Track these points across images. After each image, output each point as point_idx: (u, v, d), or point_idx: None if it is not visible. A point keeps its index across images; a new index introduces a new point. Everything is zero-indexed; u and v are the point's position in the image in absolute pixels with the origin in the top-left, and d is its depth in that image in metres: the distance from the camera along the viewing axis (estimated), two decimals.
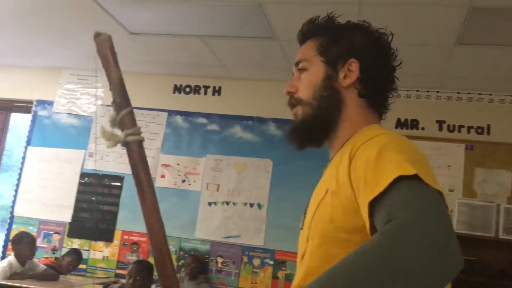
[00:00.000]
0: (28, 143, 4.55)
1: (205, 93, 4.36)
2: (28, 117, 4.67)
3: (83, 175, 4.38)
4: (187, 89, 4.40)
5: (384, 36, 1.11)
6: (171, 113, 4.36)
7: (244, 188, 4.09)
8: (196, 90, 4.39)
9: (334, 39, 1.09)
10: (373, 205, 0.79)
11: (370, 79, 1.05)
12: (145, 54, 4.00)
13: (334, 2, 2.71)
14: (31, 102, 4.64)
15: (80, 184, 4.37)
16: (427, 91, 3.92)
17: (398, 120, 3.93)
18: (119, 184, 4.30)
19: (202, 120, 4.29)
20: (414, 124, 3.90)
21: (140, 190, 0.89)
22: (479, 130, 3.78)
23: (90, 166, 4.38)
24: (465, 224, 3.35)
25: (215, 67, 4.08)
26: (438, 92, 3.91)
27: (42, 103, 4.62)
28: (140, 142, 0.91)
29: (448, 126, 3.85)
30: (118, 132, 0.90)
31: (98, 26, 3.46)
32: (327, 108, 1.05)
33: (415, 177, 0.78)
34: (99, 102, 4.53)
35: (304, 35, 1.13)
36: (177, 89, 4.42)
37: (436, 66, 3.47)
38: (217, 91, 4.34)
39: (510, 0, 2.42)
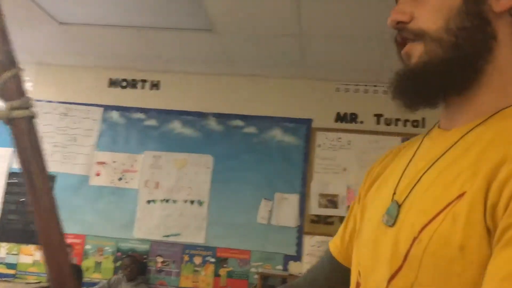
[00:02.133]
0: None
1: (143, 87, 4.20)
2: None
3: (11, 174, 4.11)
4: (124, 83, 4.22)
5: None
6: (106, 108, 4.16)
7: (184, 185, 3.98)
8: (133, 84, 4.22)
9: None
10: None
11: None
12: (77, 46, 3.79)
13: None
14: None
15: (8, 184, 4.09)
16: (366, 85, 3.98)
17: (338, 113, 3.96)
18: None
19: (140, 115, 4.14)
20: (353, 117, 3.95)
21: (31, 186, 0.66)
22: (415, 123, 3.89)
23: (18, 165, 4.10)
24: None
25: (153, 60, 3.94)
26: (375, 86, 3.97)
27: None
28: (30, 119, 0.67)
29: (386, 119, 3.93)
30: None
31: (23, 15, 3.24)
32: (471, 48, 0.64)
33: None
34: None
35: None
36: (113, 83, 4.23)
37: (373, 60, 3.52)
38: (155, 85, 4.20)
39: None
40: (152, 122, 4.12)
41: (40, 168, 0.67)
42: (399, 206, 0.65)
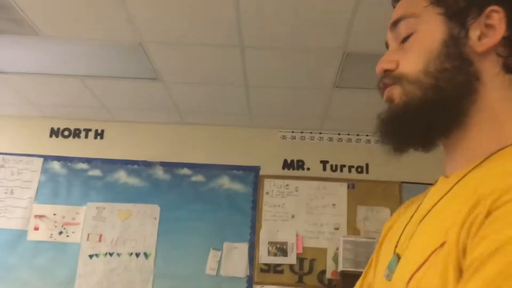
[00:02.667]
0: None
1: (86, 136, 4.10)
2: None
3: None
4: (66, 133, 4.10)
5: None
6: (47, 158, 4.00)
7: (129, 237, 3.83)
8: (76, 133, 4.10)
9: None
10: None
11: None
12: (17, 95, 3.67)
13: (216, 44, 2.72)
14: None
15: None
16: (311, 133, 4.06)
17: (285, 161, 4.00)
18: None
19: (83, 166, 4.00)
20: (300, 164, 4.00)
21: None
22: (359, 169, 3.97)
23: None
24: (350, 261, 3.43)
25: (97, 109, 3.87)
26: (320, 133, 4.06)
27: None
28: None
29: (331, 166, 3.99)
30: None
31: None
32: (452, 89, 0.64)
33: None
34: None
35: None
36: (54, 132, 4.10)
37: (318, 108, 3.61)
38: (99, 134, 4.10)
39: (379, 46, 2.60)
40: (96, 172, 3.99)
41: None
42: (399, 258, 0.64)
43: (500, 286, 0.47)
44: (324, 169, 3.99)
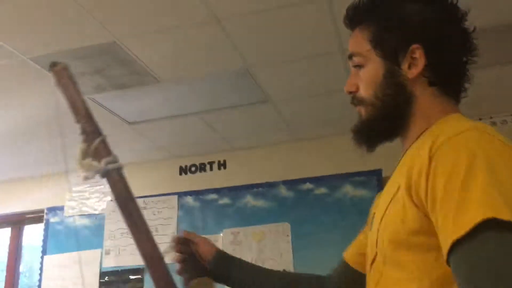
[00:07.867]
0: (44, 252, 4.49)
1: (211, 169, 4.38)
2: (40, 227, 4.64)
3: (102, 274, 4.28)
4: (193, 168, 4.42)
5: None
6: (180, 195, 4.34)
7: (267, 256, 3.97)
8: (201, 167, 4.40)
9: (385, 26, 0.94)
10: (452, 246, 0.71)
11: (440, 62, 0.92)
12: (147, 142, 4.06)
13: (317, 54, 2.80)
14: (42, 211, 4.64)
15: (101, 284, 4.25)
16: None
17: None
18: (139, 276, 4.18)
19: (213, 196, 4.27)
20: None
21: (132, 222, 0.85)
22: None
23: (108, 264, 4.30)
24: None
25: (216, 141, 4.13)
26: None
27: (53, 210, 4.62)
28: (120, 170, 0.86)
29: None
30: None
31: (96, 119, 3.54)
32: (394, 106, 0.95)
33: (509, 224, 0.66)
34: (108, 197, 4.53)
35: (351, 22, 1.01)
36: (183, 170, 4.44)
37: None
38: (222, 164, 4.36)
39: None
40: (225, 201, 4.23)
41: (136, 207, 0.85)
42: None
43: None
44: None
